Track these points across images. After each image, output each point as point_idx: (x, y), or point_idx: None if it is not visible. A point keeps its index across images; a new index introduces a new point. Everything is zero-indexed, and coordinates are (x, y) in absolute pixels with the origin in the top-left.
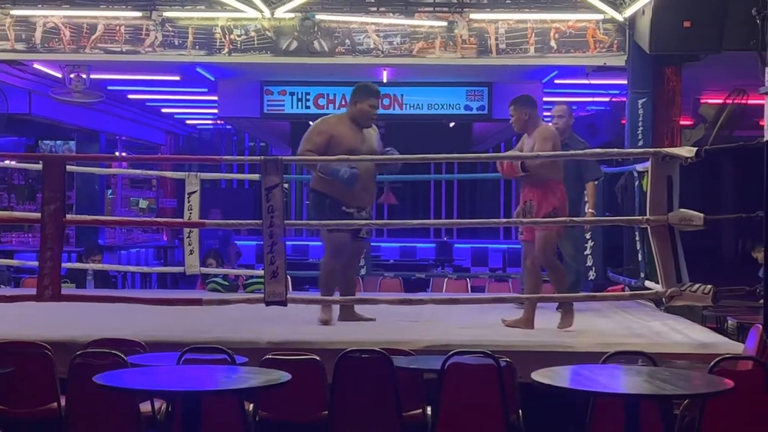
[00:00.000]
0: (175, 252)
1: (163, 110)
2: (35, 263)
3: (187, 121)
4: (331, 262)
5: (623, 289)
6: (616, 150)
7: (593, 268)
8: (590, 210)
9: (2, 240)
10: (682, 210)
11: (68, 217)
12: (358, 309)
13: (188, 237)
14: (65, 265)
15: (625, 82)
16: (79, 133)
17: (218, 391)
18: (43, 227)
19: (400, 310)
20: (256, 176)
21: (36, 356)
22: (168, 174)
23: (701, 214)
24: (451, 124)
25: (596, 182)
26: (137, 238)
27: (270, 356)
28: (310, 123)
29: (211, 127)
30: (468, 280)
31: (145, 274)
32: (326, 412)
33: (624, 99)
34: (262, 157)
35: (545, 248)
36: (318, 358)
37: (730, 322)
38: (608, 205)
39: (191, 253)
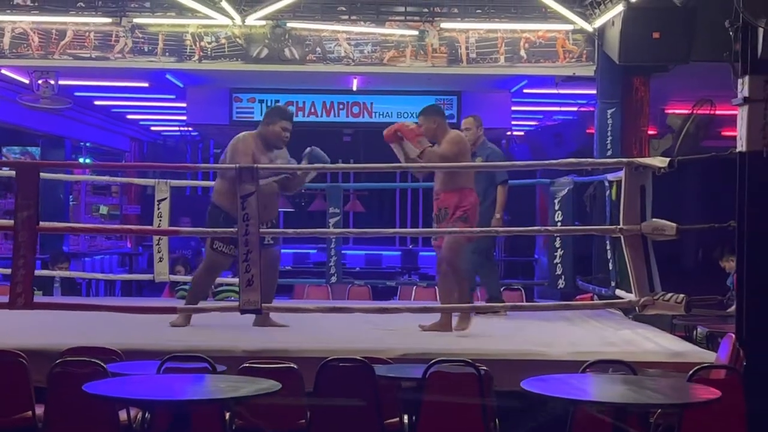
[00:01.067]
0: (139, 259)
1: (129, 116)
2: (7, 270)
3: (152, 128)
4: (202, 275)
5: (592, 298)
6: (589, 160)
7: (562, 276)
8: (497, 214)
9: None
10: (654, 220)
11: (42, 224)
12: (273, 316)
13: (157, 244)
14: None
15: (594, 92)
16: (44, 139)
17: (211, 400)
18: (16, 235)
19: (371, 318)
20: None
21: (11, 364)
22: (137, 181)
23: (674, 224)
24: None
25: (505, 184)
26: (101, 245)
27: (248, 365)
28: None
29: (177, 133)
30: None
31: (109, 281)
32: (303, 420)
33: (591, 108)
34: (237, 164)
35: (455, 251)
36: (296, 366)
37: (699, 330)
38: (577, 214)
39: (160, 261)
